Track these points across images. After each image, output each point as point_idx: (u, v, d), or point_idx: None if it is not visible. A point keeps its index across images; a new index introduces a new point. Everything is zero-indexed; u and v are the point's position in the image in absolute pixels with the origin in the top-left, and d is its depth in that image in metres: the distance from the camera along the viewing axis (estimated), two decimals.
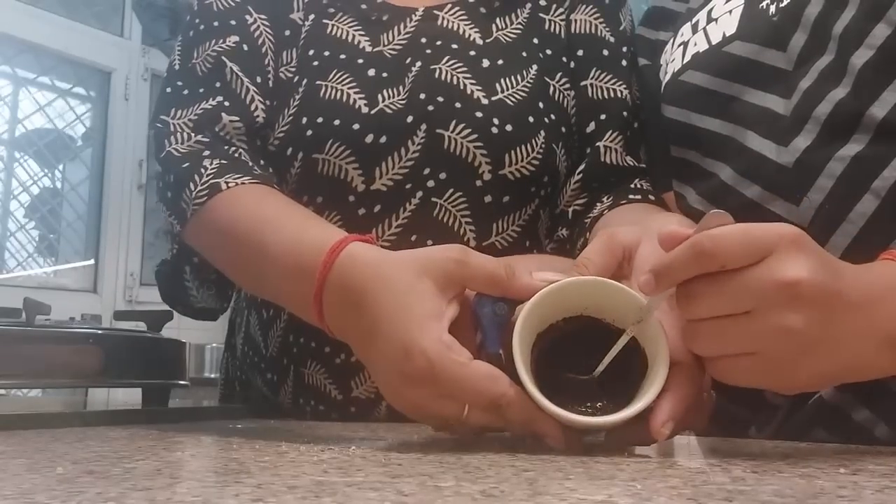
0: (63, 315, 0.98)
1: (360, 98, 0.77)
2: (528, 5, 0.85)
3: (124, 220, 3.23)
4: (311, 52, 0.81)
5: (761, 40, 0.64)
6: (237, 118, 0.77)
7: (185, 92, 0.79)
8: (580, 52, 0.84)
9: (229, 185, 0.70)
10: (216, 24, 0.82)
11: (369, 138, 0.75)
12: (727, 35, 0.67)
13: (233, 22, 0.82)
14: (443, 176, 0.76)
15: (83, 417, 0.71)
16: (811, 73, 0.61)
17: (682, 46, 0.72)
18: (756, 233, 0.45)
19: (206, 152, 0.74)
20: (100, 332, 0.82)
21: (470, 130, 0.76)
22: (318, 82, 0.78)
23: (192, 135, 0.75)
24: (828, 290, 0.45)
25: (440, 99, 0.77)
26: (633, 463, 0.44)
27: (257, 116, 0.79)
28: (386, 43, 0.80)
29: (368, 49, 0.80)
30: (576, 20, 0.85)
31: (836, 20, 0.60)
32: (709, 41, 0.69)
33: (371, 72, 0.78)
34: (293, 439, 0.55)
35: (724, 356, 0.47)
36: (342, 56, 0.79)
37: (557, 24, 0.85)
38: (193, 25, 0.83)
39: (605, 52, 0.83)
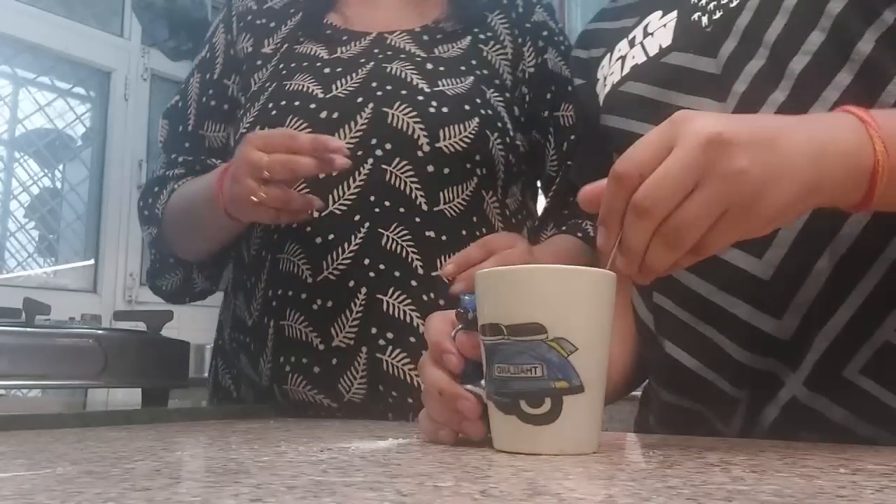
0: (63, 315, 0.98)
1: (317, 88, 0.93)
2: (469, 38, 0.98)
3: (124, 220, 3.23)
4: (282, 70, 0.97)
5: (695, 49, 0.67)
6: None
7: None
8: (553, 88, 1.00)
9: (178, 186, 0.98)
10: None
11: (324, 114, 0.90)
12: (663, 46, 0.70)
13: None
14: (388, 146, 0.89)
15: (83, 418, 0.71)
16: (743, 77, 0.63)
17: (620, 60, 0.75)
18: (652, 134, 0.48)
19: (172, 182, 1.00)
20: (100, 332, 0.82)
21: (410, 109, 0.89)
22: (284, 83, 0.95)
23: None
24: (749, 128, 0.47)
25: (388, 87, 0.91)
26: (633, 463, 0.44)
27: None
28: (342, 53, 0.97)
29: (326, 57, 0.97)
30: (548, 59, 1.01)
31: (766, 28, 0.63)
32: (646, 53, 0.72)
33: (327, 70, 0.94)
34: (292, 439, 0.55)
35: (705, 234, 0.47)
36: (305, 63, 0.96)
37: (494, 56, 0.99)
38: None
39: (570, 88, 0.95)
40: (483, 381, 0.51)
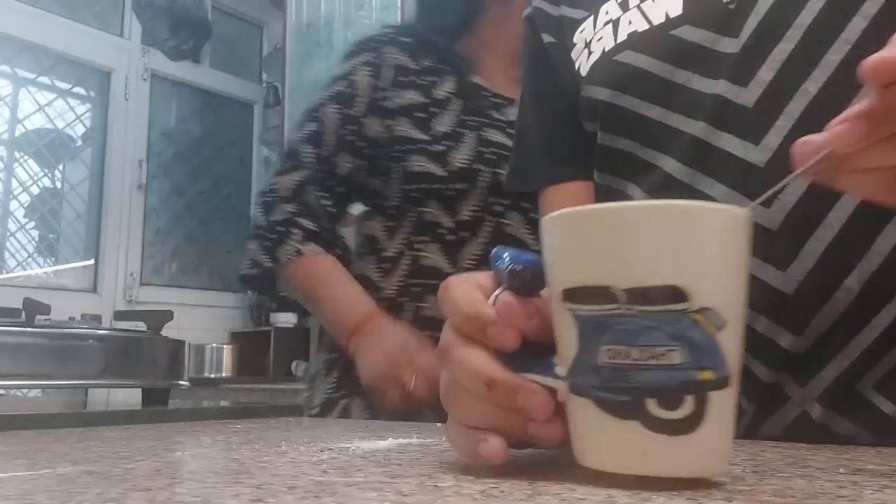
0: (63, 315, 0.98)
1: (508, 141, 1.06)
2: None
3: (124, 220, 3.23)
4: (465, 121, 1.10)
5: (714, 26, 0.60)
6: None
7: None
8: None
9: (305, 248, 1.11)
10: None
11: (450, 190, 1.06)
12: (671, 16, 0.62)
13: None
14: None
15: (83, 417, 0.71)
16: (770, 62, 0.57)
17: (610, 25, 0.66)
18: None
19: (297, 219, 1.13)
20: (100, 332, 0.82)
21: None
22: (475, 133, 1.10)
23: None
24: None
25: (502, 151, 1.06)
26: None
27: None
28: (506, 116, 1.12)
29: (499, 118, 1.13)
30: None
31: (800, 8, 0.56)
32: (648, 21, 0.64)
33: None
34: (293, 439, 0.55)
35: None
36: (485, 119, 1.11)
37: None
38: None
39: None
40: (557, 369, 0.35)
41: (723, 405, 0.33)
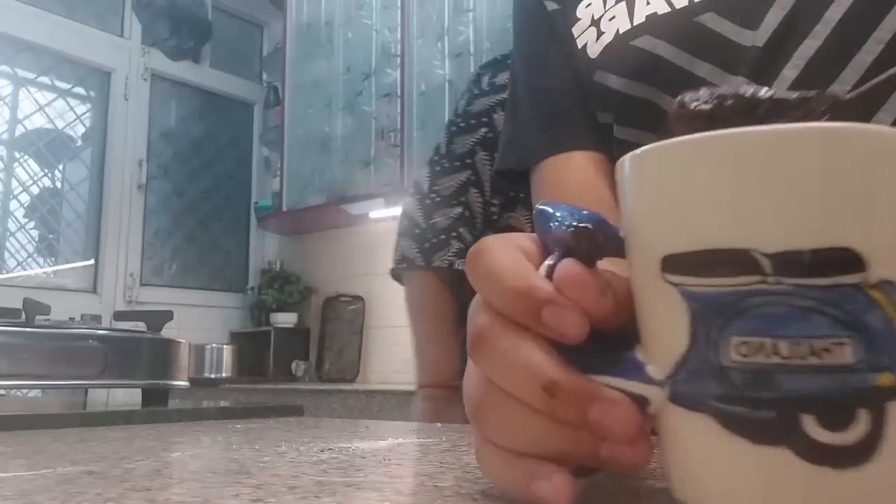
0: (63, 315, 0.98)
1: None
2: None
3: (124, 220, 3.23)
4: None
5: (740, 18, 0.55)
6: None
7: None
8: None
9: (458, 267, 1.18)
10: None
11: None
12: (695, 0, 0.57)
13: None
14: None
15: (83, 418, 0.71)
16: (795, 60, 0.52)
17: (623, 2, 0.60)
18: None
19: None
20: (100, 332, 0.82)
21: None
22: None
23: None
24: None
25: None
26: None
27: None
28: None
29: None
30: None
31: (829, 2, 0.52)
32: (670, 3, 0.58)
33: None
34: (293, 439, 0.55)
35: None
36: None
37: None
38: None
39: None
40: (649, 369, 0.25)
41: None
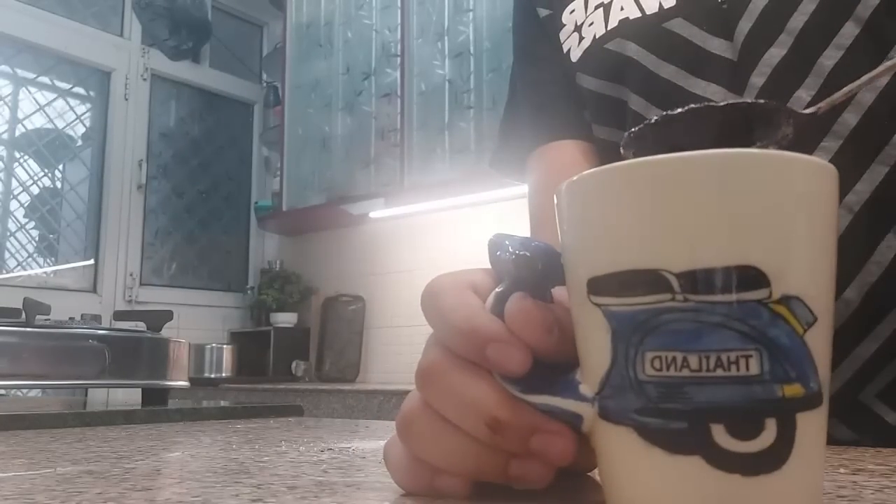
0: (63, 315, 0.98)
1: None
2: None
3: (124, 220, 3.23)
4: None
5: (707, 25, 0.58)
6: None
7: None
8: None
9: None
10: None
11: None
12: (665, 7, 0.60)
13: None
14: None
15: (83, 417, 0.71)
16: (762, 66, 0.55)
17: (601, 8, 0.64)
18: None
19: None
20: (100, 332, 0.82)
21: None
22: None
23: None
24: None
25: None
26: None
27: None
28: None
29: None
30: None
31: (791, 12, 0.54)
32: (641, 9, 0.61)
33: None
34: (293, 439, 0.55)
35: None
36: None
37: None
38: None
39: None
40: (582, 388, 0.27)
41: (814, 432, 0.24)
